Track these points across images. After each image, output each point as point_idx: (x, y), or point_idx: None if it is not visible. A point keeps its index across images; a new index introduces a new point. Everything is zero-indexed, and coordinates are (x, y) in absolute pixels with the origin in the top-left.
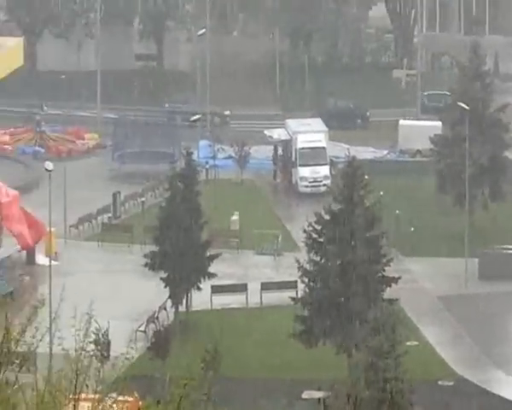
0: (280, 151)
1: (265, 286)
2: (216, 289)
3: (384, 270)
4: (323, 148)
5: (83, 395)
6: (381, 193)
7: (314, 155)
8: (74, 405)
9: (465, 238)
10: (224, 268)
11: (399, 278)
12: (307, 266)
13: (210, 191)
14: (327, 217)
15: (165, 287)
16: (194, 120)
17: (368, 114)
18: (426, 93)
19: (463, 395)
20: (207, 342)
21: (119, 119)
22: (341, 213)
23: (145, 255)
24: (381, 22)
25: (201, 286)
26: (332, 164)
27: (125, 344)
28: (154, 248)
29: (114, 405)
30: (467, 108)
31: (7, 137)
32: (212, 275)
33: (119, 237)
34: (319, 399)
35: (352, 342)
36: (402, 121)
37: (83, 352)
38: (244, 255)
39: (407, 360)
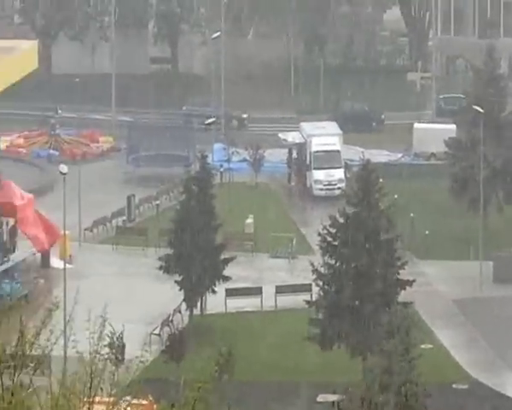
0: (294, 154)
1: (280, 289)
2: (230, 293)
3: (398, 273)
4: (338, 151)
5: (97, 399)
6: (396, 196)
7: (328, 159)
8: (89, 408)
9: (480, 241)
10: (238, 271)
11: (414, 281)
12: (322, 270)
13: (224, 194)
14: (341, 220)
15: (180, 290)
16: (209, 124)
17: (383, 117)
18: (442, 96)
19: (478, 398)
20: (222, 345)
21: (134, 122)
22: (356, 217)
23: (160, 258)
24: (396, 25)
25: (216, 289)
26: (346, 167)
27: (140, 347)
28: (169, 251)
29: (129, 408)
30: (481, 111)
31: (21, 141)
32: (226, 278)
33: (134, 240)
34: (333, 402)
35: (366, 345)
36: (417, 124)
37: (97, 355)
38: (259, 258)
39: (421, 363)
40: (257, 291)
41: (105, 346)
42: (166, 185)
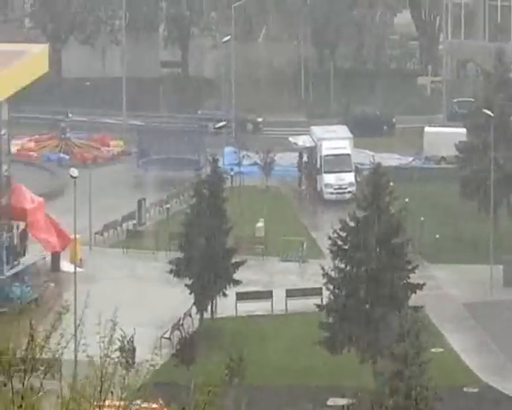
0: (305, 158)
1: (290, 293)
2: (241, 296)
3: (409, 277)
4: (348, 155)
5: (107, 402)
6: (406, 200)
7: (339, 162)
8: None
9: (490, 245)
10: (249, 275)
11: (424, 284)
12: (332, 273)
13: (235, 198)
14: (352, 224)
15: (190, 294)
16: (220, 127)
17: (394, 120)
18: (455, 100)
19: (488, 401)
20: (232, 349)
21: (145, 125)
22: (366, 220)
23: (170, 262)
24: (406, 29)
25: (227, 293)
26: (357, 171)
27: (150, 351)
28: (179, 254)
29: None
30: (492, 114)
31: (32, 144)
32: (237, 282)
33: (144, 243)
34: (343, 406)
35: (376, 349)
36: (427, 128)
37: (108, 359)
38: (269, 262)
39: (432, 366)
40: (267, 295)
41: (115, 350)
42: (177, 189)
